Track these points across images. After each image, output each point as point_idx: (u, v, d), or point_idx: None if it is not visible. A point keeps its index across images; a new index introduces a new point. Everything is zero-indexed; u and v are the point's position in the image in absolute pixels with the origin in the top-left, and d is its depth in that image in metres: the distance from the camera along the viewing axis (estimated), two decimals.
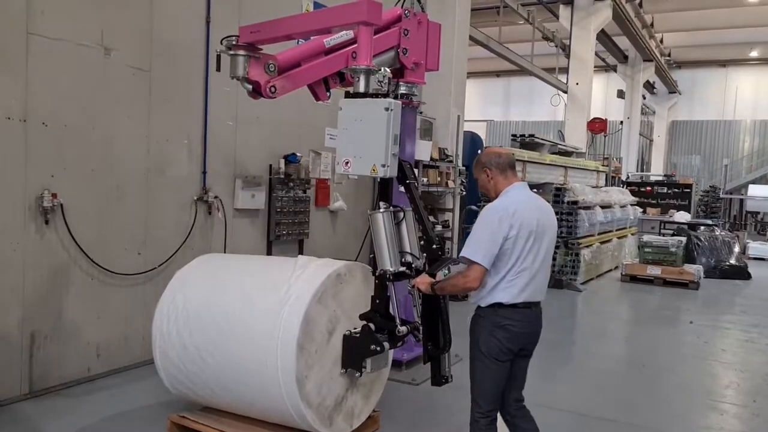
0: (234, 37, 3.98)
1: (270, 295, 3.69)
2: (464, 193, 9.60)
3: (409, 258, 3.71)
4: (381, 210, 3.61)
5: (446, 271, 3.46)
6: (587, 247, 11.27)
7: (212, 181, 5.99)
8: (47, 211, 4.62)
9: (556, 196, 11.22)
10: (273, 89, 4.11)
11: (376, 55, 5.06)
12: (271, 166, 6.67)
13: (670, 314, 9.40)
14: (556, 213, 11.14)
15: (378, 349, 3.60)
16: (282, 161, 6.75)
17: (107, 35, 4.99)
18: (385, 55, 5.21)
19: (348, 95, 3.69)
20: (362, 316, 3.68)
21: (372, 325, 3.63)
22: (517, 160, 11.47)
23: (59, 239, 4.76)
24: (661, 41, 23.87)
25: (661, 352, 7.17)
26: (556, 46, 17.27)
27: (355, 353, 3.67)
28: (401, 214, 3.75)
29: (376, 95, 3.60)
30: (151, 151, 5.42)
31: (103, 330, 5.14)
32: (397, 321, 3.62)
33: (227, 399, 3.96)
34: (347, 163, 3.56)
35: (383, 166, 3.45)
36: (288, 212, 6.80)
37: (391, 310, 3.69)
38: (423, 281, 3.42)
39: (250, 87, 4.06)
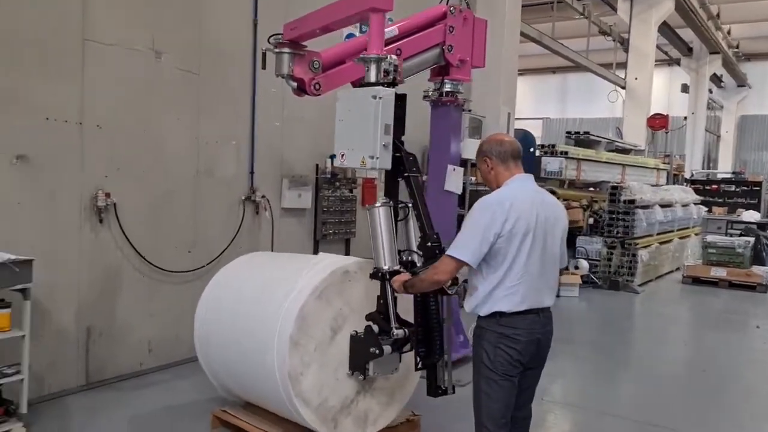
0: (279, 35, 4.04)
1: (278, 291, 3.65)
2: None
3: (415, 257, 3.54)
4: (377, 205, 3.43)
5: None
6: (645, 247, 10.88)
7: (259, 181, 6.08)
8: (101, 211, 4.79)
9: (612, 194, 10.89)
10: (317, 86, 4.13)
11: (420, 52, 5.07)
12: (317, 165, 6.73)
13: (734, 318, 8.98)
14: (612, 212, 10.96)
15: (377, 352, 3.34)
16: (328, 161, 6.80)
17: (158, 39, 5.14)
18: (430, 53, 5.19)
19: (361, 85, 3.60)
20: (367, 317, 3.49)
21: (376, 327, 3.43)
22: (570, 157, 11.25)
23: (113, 238, 4.94)
24: (729, 33, 22.78)
25: (725, 357, 6.84)
26: (614, 41, 16.75)
27: (359, 355, 3.48)
28: (406, 210, 3.58)
29: (383, 84, 3.49)
30: (200, 152, 5.56)
31: (155, 326, 5.29)
32: (392, 323, 3.38)
33: (250, 395, 4.01)
34: (343, 155, 3.48)
35: (371, 157, 3.32)
36: (334, 211, 6.84)
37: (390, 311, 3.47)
38: (398, 280, 3.23)
39: (294, 84, 4.11)
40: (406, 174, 3.52)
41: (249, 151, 5.99)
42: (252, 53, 5.88)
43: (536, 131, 20.65)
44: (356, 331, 3.52)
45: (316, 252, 6.77)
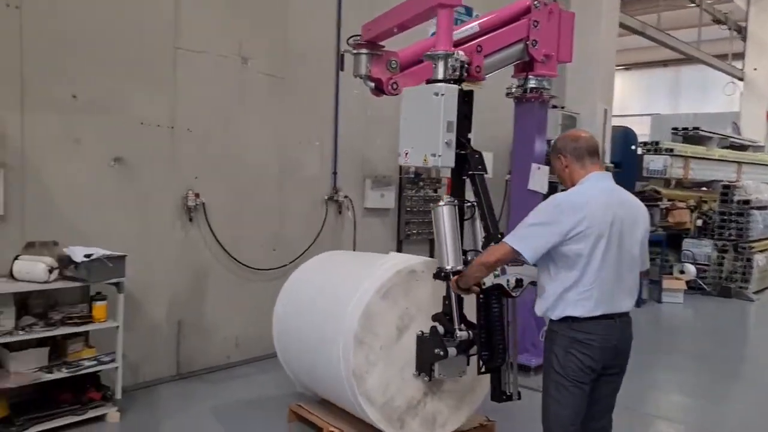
0: (358, 37, 4.09)
1: (346, 289, 3.68)
2: None
3: None
4: (441, 204, 3.34)
5: (496, 274, 3.02)
6: (761, 251, 10.01)
7: (342, 181, 6.18)
8: (191, 210, 5.05)
9: (724, 194, 10.14)
10: (395, 86, 4.13)
11: (503, 48, 4.93)
12: (401, 165, 6.73)
13: None
14: (723, 214, 10.17)
15: (441, 353, 3.28)
16: None
17: (245, 46, 5.35)
18: (513, 48, 5.04)
19: (428, 82, 3.54)
20: (433, 317, 3.43)
21: (441, 328, 3.37)
22: (677, 155, 10.57)
23: (202, 236, 5.19)
24: None
25: None
26: (730, 29, 15.56)
27: (425, 356, 3.43)
28: (472, 210, 3.47)
29: (450, 81, 3.42)
30: (284, 154, 5.73)
31: (242, 322, 5.50)
32: (456, 324, 3.29)
33: (321, 391, 4.07)
34: (406, 153, 3.44)
35: (434, 155, 3.26)
36: (418, 211, 6.82)
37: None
38: (454, 280, 3.13)
39: (372, 84, 4.13)
40: (471, 172, 3.43)
41: (332, 152, 6.11)
42: (335, 55, 5.98)
43: (644, 128, 19.53)
44: (422, 332, 3.48)
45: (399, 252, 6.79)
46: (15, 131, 4.10)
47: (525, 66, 5.32)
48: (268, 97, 5.57)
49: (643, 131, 15.27)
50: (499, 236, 3.24)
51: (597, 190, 2.79)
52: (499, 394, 3.24)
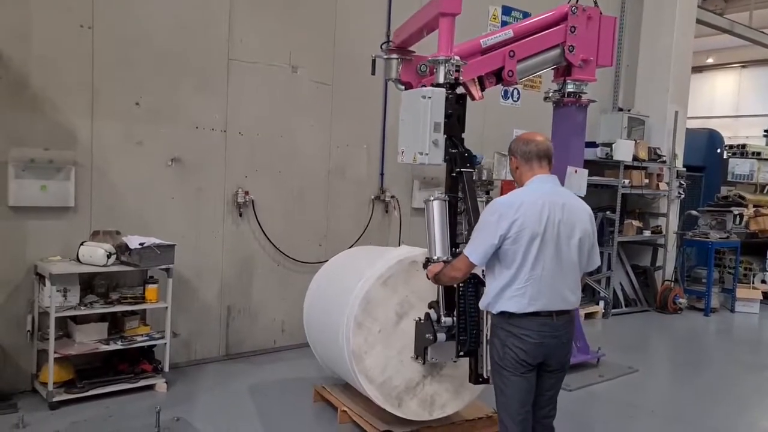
0: (390, 43, 4.40)
1: (353, 279, 4.01)
2: (682, 196, 8.67)
3: None
4: (432, 199, 3.60)
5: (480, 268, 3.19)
6: None
7: (390, 182, 6.49)
8: (241, 206, 5.56)
9: None
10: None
11: (539, 52, 5.05)
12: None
13: None
14: None
15: (430, 338, 3.59)
16: None
17: (294, 55, 5.79)
18: (549, 53, 5.15)
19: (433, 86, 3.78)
20: (429, 305, 3.69)
21: (435, 314, 3.62)
22: (765, 159, 9.95)
23: (251, 230, 5.69)
24: None
25: None
26: None
27: (419, 340, 3.73)
28: (464, 205, 3.67)
29: (447, 85, 3.67)
30: (332, 155, 6.12)
31: (287, 309, 5.92)
32: (441, 311, 3.57)
33: (336, 372, 4.42)
34: (402, 152, 3.71)
35: (421, 153, 3.52)
36: None
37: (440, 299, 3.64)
38: (431, 270, 3.34)
39: (402, 87, 4.43)
40: (459, 170, 3.66)
41: (380, 154, 6.43)
42: (384, 60, 6.28)
43: (758, 129, 18.03)
44: (420, 318, 3.77)
45: None
46: (86, 135, 4.76)
47: (564, 70, 5.39)
48: (318, 102, 5.99)
49: (757, 132, 14.19)
50: None
51: (536, 193, 2.92)
52: (476, 376, 3.48)
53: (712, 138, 10.65)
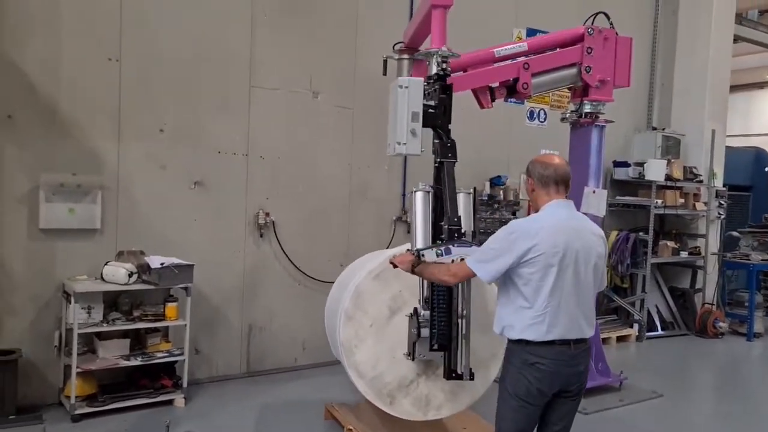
0: (401, 44, 4.49)
1: (351, 277, 4.11)
2: (722, 216, 8.38)
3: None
4: (415, 190, 3.62)
5: (439, 252, 3.18)
6: None
7: None
8: (261, 227, 5.72)
9: None
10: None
11: (554, 69, 5.05)
12: (475, 188, 6.90)
13: None
14: None
15: (414, 332, 3.59)
16: (487, 183, 6.97)
17: (315, 81, 5.96)
18: (564, 72, 5.15)
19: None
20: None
21: (420, 310, 3.62)
22: None
23: (272, 250, 5.84)
24: None
25: None
26: None
27: (409, 336, 3.73)
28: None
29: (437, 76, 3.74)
30: (352, 177, 6.24)
31: (308, 328, 6.02)
32: (420, 303, 3.59)
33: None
34: (389, 145, 3.75)
35: (399, 143, 3.54)
36: (492, 233, 6.93)
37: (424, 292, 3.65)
38: (403, 259, 3.31)
39: None
40: (440, 160, 3.68)
41: (401, 175, 6.51)
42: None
43: None
44: (410, 314, 3.79)
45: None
46: (112, 160, 5.03)
47: (581, 91, 5.37)
48: (338, 125, 6.13)
49: None
50: (456, 219, 3.51)
51: (554, 219, 2.87)
52: (448, 372, 3.48)
53: (759, 157, 10.29)
